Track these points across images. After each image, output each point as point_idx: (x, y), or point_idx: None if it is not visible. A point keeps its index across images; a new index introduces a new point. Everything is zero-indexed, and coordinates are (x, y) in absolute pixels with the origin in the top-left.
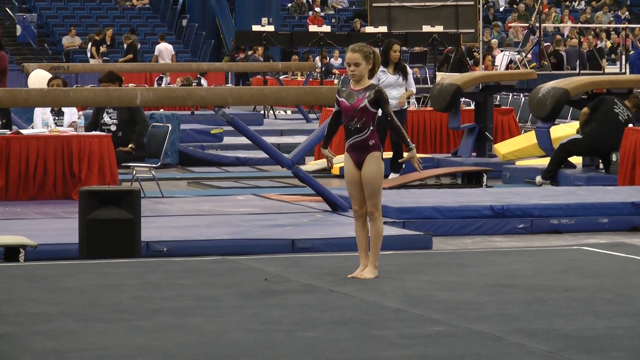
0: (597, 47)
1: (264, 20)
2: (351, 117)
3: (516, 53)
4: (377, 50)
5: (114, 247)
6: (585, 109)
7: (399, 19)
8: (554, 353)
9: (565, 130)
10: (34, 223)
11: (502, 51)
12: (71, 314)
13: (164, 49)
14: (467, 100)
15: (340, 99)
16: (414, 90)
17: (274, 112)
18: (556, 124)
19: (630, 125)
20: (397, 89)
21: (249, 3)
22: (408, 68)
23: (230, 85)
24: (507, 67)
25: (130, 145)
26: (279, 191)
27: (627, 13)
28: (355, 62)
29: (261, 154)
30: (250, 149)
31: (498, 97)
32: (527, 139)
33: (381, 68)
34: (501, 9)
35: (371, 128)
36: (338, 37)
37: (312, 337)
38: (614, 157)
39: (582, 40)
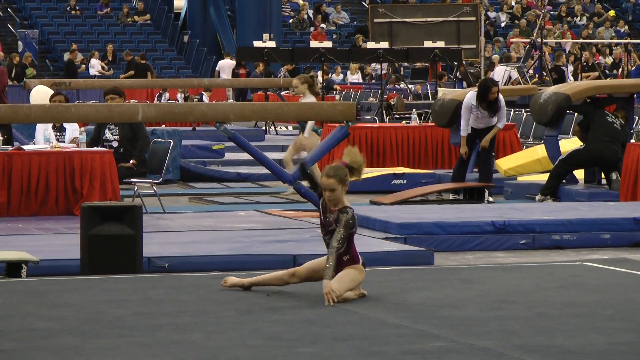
0: (594, 63)
1: (265, 36)
2: (327, 232)
3: (516, 68)
4: (352, 164)
5: (115, 263)
6: (576, 127)
7: (400, 35)
8: None
9: (567, 145)
10: (35, 239)
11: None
12: (72, 330)
13: (225, 65)
14: None
15: (321, 209)
16: (500, 127)
17: (275, 128)
18: (558, 140)
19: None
20: (483, 123)
21: (250, 19)
22: (501, 103)
23: (231, 101)
24: (507, 83)
25: (131, 161)
26: (280, 207)
27: (625, 27)
28: (330, 188)
29: (263, 170)
30: (251, 165)
31: None
32: (529, 154)
33: (474, 103)
34: (502, 25)
35: (345, 245)
36: (339, 52)
37: (312, 353)
38: (613, 176)
39: (583, 54)
